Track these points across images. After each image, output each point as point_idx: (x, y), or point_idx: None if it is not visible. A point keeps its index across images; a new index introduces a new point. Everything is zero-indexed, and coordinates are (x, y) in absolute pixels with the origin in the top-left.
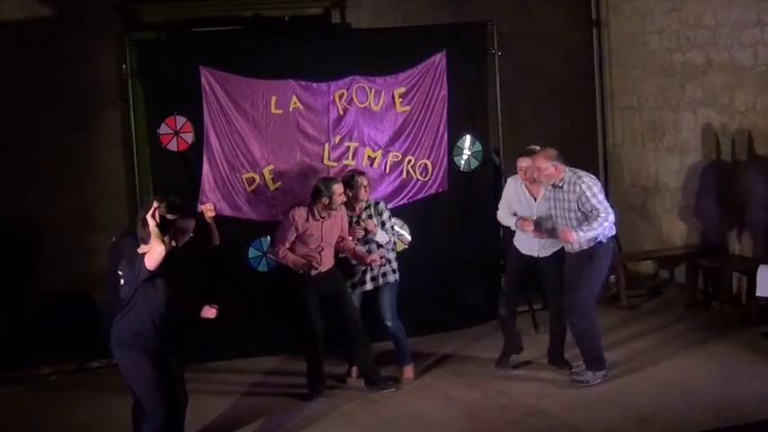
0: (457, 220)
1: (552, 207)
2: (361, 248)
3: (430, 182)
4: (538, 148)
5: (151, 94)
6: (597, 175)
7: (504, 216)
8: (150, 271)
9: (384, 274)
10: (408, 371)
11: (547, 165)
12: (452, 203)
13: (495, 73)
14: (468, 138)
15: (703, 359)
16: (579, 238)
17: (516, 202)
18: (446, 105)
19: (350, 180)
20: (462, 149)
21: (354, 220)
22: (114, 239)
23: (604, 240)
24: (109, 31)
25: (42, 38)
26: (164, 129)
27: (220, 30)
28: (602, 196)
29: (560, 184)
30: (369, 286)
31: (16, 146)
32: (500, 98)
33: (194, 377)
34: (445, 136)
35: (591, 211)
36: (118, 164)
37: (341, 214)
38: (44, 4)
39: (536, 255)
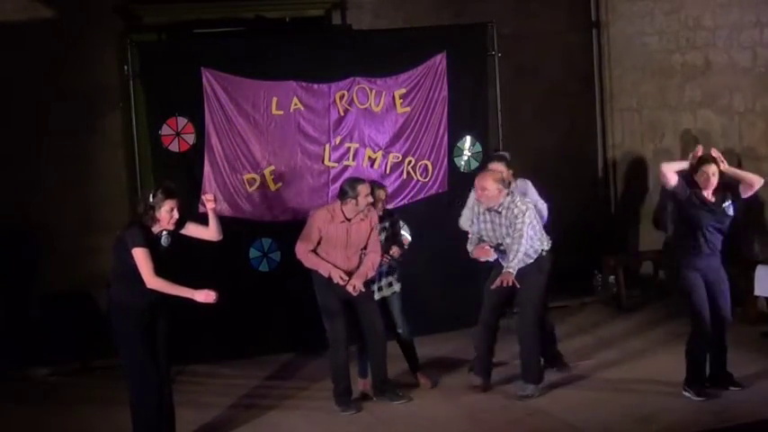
0: (457, 220)
1: (490, 230)
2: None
3: (430, 183)
4: (507, 154)
5: (152, 95)
6: (597, 176)
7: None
8: None
9: (390, 284)
10: (424, 376)
11: (492, 186)
12: (453, 204)
13: (496, 74)
14: (468, 139)
15: None
16: (515, 271)
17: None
18: (446, 106)
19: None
20: (462, 150)
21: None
22: (119, 232)
23: (547, 249)
24: (110, 33)
25: (44, 39)
26: (165, 130)
27: (222, 31)
28: (528, 223)
29: (499, 209)
30: (376, 296)
31: (18, 146)
32: (500, 99)
33: (195, 377)
34: (445, 137)
35: (515, 236)
36: (119, 165)
37: (370, 221)
38: (46, 6)
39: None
